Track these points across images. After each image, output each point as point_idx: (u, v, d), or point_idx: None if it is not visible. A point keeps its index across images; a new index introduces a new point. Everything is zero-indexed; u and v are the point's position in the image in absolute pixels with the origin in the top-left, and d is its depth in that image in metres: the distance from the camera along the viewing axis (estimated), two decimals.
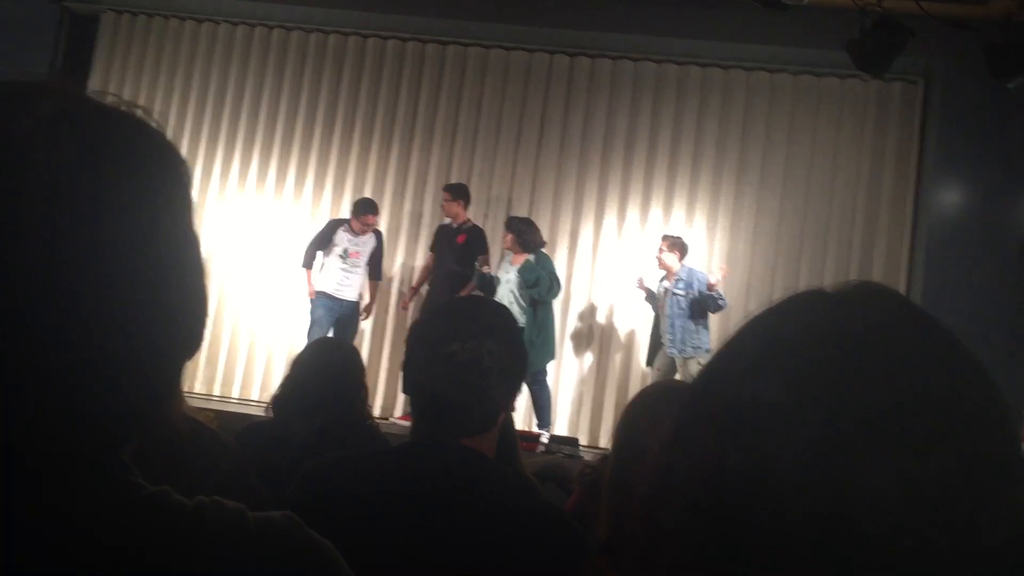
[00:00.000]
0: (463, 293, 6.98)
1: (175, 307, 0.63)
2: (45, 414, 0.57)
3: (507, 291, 6.81)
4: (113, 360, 0.59)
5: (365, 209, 7.24)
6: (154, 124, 0.65)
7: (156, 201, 0.62)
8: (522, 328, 6.63)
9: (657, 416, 1.51)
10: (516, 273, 6.77)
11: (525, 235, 6.82)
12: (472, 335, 1.50)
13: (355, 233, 7.24)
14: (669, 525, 0.61)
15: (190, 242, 0.65)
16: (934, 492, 0.52)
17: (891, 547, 0.52)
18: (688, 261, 6.89)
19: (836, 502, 0.53)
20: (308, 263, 7.35)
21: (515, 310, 6.72)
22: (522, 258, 6.81)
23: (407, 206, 8.27)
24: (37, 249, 0.55)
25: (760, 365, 0.59)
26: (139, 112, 0.65)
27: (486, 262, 6.97)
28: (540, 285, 6.65)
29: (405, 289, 8.12)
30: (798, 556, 0.53)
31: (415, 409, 1.59)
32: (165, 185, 0.64)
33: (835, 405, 0.55)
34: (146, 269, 0.60)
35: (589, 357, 7.92)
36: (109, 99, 0.65)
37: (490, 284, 6.88)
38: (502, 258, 7.04)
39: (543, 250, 6.98)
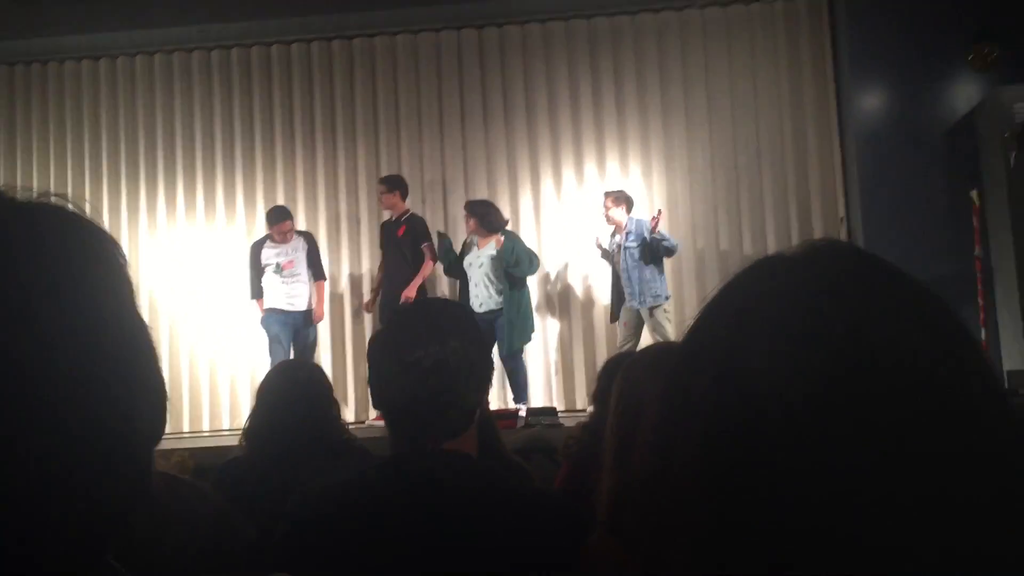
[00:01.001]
0: (418, 278, 6.96)
1: (136, 396, 0.61)
2: (22, 532, 0.55)
3: (481, 275, 6.81)
4: (84, 463, 0.57)
5: (277, 218, 7.10)
6: (81, 213, 0.63)
7: (97, 292, 0.60)
8: (500, 309, 6.68)
9: (656, 379, 1.51)
10: (487, 256, 6.77)
11: (487, 217, 6.83)
12: (433, 339, 1.48)
13: (278, 244, 7.12)
14: (670, 502, 0.62)
15: (137, 326, 0.63)
16: (921, 439, 0.53)
17: (884, 498, 0.53)
18: (634, 212, 6.93)
19: (828, 459, 0.54)
20: (256, 293, 7.18)
21: (491, 291, 6.76)
22: (488, 240, 6.81)
23: (343, 207, 8.19)
24: None
25: (734, 341, 0.60)
26: (64, 203, 0.63)
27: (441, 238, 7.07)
28: (521, 263, 6.69)
29: (355, 290, 8.08)
30: (798, 513, 0.54)
31: (389, 422, 1.57)
32: (102, 274, 0.62)
33: (809, 366, 0.56)
34: (100, 364, 0.58)
35: (552, 323, 7.94)
36: (31, 195, 0.62)
37: (449, 248, 6.95)
38: (467, 243, 7.02)
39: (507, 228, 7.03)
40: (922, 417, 0.53)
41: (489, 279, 6.78)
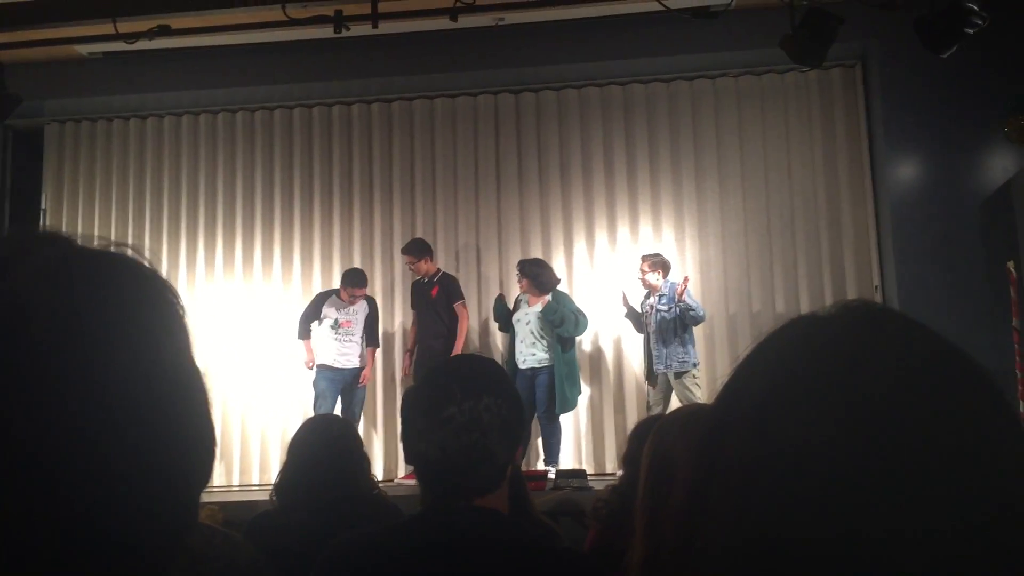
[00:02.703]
0: (460, 340, 7.07)
1: (187, 440, 0.63)
2: (72, 568, 0.57)
3: (527, 332, 6.91)
4: (134, 502, 0.58)
5: (358, 282, 7.24)
6: (146, 263, 0.66)
7: (158, 339, 0.62)
8: (542, 367, 6.78)
9: (686, 442, 1.52)
10: (534, 314, 6.86)
11: (540, 277, 6.94)
12: (467, 396, 1.50)
13: (343, 303, 7.22)
14: (703, 556, 0.61)
15: (193, 373, 0.65)
16: (959, 508, 0.53)
17: (911, 558, 0.52)
18: (669, 276, 6.95)
19: (863, 526, 0.53)
20: (304, 334, 7.29)
21: (536, 349, 6.85)
22: (539, 299, 6.89)
23: (377, 267, 8.26)
24: (48, 399, 0.55)
25: (767, 399, 0.60)
26: (130, 252, 0.66)
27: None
28: (567, 323, 6.76)
29: (386, 350, 8.11)
30: (829, 570, 0.53)
31: (421, 477, 1.58)
32: (164, 321, 0.64)
33: (842, 426, 0.55)
34: (156, 407, 0.60)
35: (583, 386, 7.89)
36: (100, 243, 0.65)
37: (503, 307, 7.06)
38: (518, 300, 7.08)
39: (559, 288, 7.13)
40: (959, 485, 0.53)
41: (535, 336, 6.85)
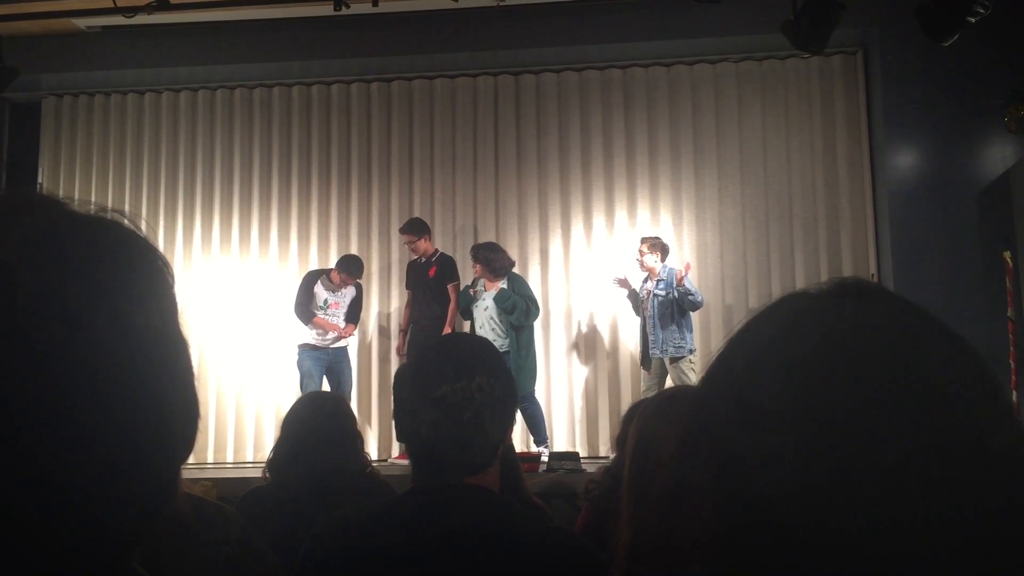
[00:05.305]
0: (450, 319, 7.03)
1: (170, 411, 0.63)
2: (48, 533, 0.57)
3: (486, 318, 6.86)
4: (115, 470, 0.58)
5: (349, 271, 7.19)
6: (137, 230, 0.65)
7: (145, 308, 0.62)
8: (506, 352, 6.67)
9: (670, 421, 1.52)
10: (491, 300, 6.82)
11: (493, 262, 6.87)
12: (460, 375, 1.50)
13: (334, 285, 7.23)
14: (687, 535, 0.61)
15: (179, 344, 0.65)
16: (930, 474, 0.53)
17: (895, 533, 0.52)
18: (667, 261, 6.94)
19: (839, 495, 0.53)
20: (310, 317, 7.19)
21: (495, 335, 6.81)
22: (495, 284, 6.85)
23: (375, 246, 8.25)
24: (32, 367, 0.55)
25: (754, 374, 0.60)
26: (121, 219, 0.65)
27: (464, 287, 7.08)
28: (517, 310, 6.70)
29: (381, 330, 8.12)
30: (811, 549, 0.53)
31: (412, 455, 1.58)
32: (152, 290, 0.63)
33: (828, 401, 0.55)
34: (140, 376, 0.60)
35: (577, 369, 7.92)
36: (91, 208, 0.64)
37: (469, 298, 6.97)
38: (475, 285, 7.07)
39: (517, 272, 7.03)
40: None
41: (494, 321, 6.83)
